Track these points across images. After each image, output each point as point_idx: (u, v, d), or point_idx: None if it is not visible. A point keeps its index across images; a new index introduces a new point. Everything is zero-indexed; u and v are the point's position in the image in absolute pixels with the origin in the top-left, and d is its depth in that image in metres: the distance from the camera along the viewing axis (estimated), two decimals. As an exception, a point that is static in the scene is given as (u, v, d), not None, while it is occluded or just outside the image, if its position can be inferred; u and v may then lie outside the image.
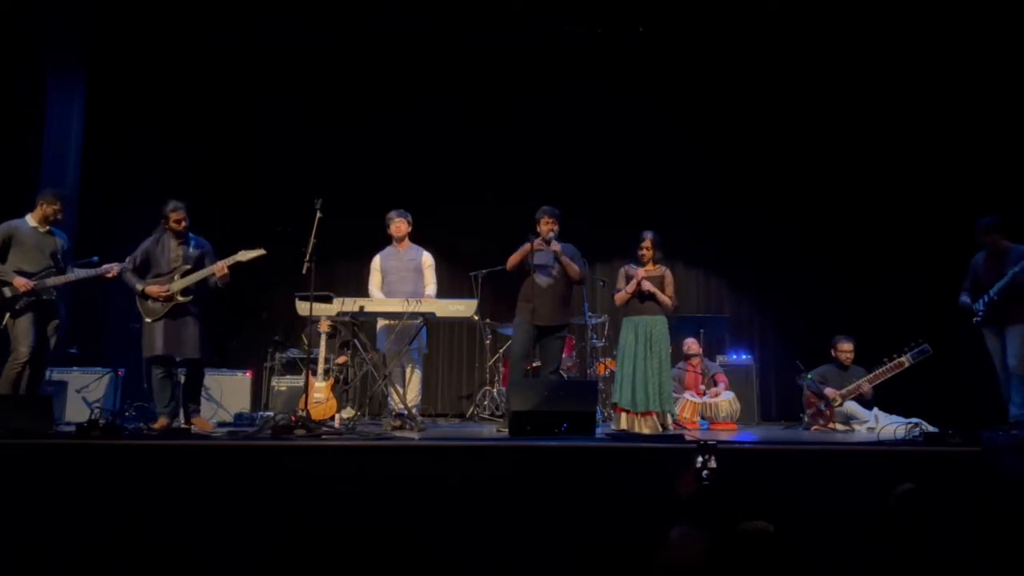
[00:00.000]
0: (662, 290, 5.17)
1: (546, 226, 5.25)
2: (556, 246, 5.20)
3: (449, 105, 7.80)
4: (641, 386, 5.02)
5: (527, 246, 5.18)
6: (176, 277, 4.85)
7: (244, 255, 4.90)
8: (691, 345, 6.51)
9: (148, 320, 4.81)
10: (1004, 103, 6.65)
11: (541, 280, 5.24)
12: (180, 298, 4.82)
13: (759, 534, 2.50)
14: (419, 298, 5.30)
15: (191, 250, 4.94)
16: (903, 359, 5.65)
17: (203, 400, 5.50)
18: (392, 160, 7.89)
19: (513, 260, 5.29)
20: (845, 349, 5.99)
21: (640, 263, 5.28)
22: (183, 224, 4.90)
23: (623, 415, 5.07)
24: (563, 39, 7.31)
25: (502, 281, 6.71)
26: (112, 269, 4.98)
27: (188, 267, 4.89)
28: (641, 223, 5.50)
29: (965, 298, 5.25)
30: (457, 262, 7.31)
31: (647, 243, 5.25)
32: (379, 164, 7.88)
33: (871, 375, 5.75)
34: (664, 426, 5.03)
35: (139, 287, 4.80)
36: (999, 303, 5.00)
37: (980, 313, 5.10)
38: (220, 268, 4.86)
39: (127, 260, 4.90)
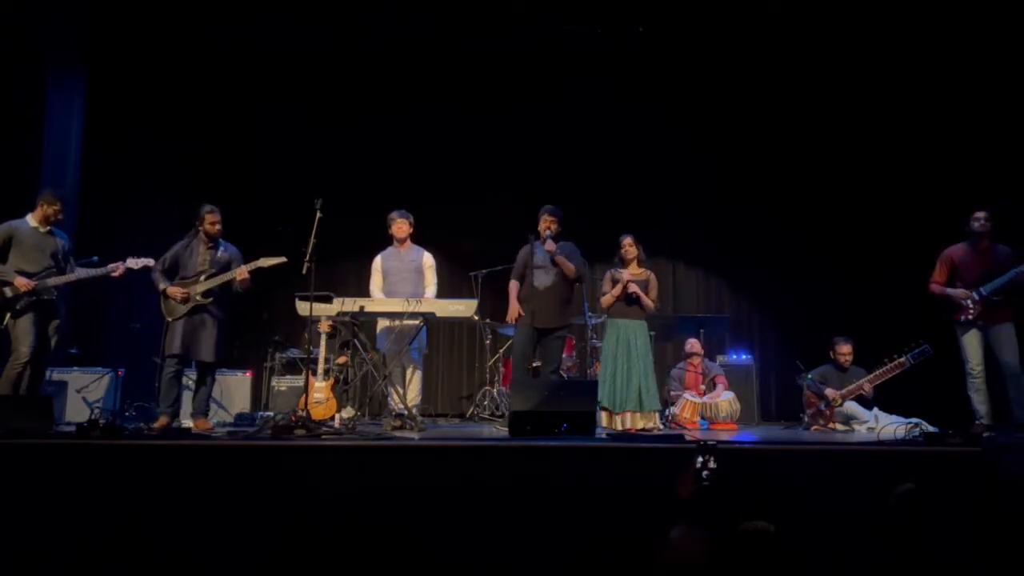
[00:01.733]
0: (646, 293, 5.22)
1: (543, 224, 5.25)
2: (551, 245, 5.18)
3: (449, 105, 7.80)
4: (622, 387, 5.12)
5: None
6: (201, 279, 4.91)
7: (265, 262, 4.98)
8: (693, 345, 6.50)
9: (169, 319, 4.88)
10: (1002, 102, 6.64)
11: (539, 282, 5.19)
12: (200, 299, 4.87)
13: (759, 534, 2.49)
14: (419, 298, 5.30)
15: (219, 254, 5.00)
16: (903, 360, 5.63)
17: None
18: (392, 160, 7.89)
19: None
20: (844, 351, 5.98)
21: (623, 265, 5.30)
22: (217, 226, 4.99)
23: (603, 413, 5.17)
24: (563, 39, 7.31)
25: (502, 281, 6.71)
26: (118, 268, 5.01)
27: (214, 271, 4.95)
28: (641, 223, 5.52)
29: (948, 290, 5.10)
30: (457, 262, 7.32)
31: (627, 244, 5.32)
32: (379, 164, 7.88)
33: (871, 375, 5.75)
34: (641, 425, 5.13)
35: (162, 286, 4.89)
36: (994, 301, 4.90)
37: (971, 311, 4.98)
38: (241, 273, 4.94)
39: (157, 261, 4.97)
